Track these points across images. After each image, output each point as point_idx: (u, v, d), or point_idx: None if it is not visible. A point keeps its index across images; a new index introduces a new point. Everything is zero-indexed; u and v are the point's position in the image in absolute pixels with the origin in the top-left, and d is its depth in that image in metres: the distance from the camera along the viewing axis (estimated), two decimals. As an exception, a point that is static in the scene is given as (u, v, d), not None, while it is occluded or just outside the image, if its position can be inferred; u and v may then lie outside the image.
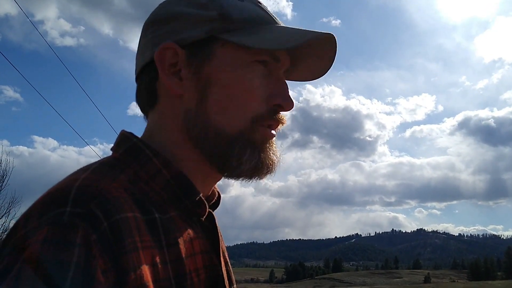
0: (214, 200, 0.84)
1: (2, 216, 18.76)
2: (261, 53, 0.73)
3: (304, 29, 0.75)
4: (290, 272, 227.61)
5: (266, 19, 0.77)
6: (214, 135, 0.72)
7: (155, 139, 0.76)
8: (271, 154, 0.76)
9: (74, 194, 0.58)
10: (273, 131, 0.76)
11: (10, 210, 18.87)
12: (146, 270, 0.59)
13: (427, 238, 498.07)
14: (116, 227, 0.58)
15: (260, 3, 0.79)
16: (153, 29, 0.78)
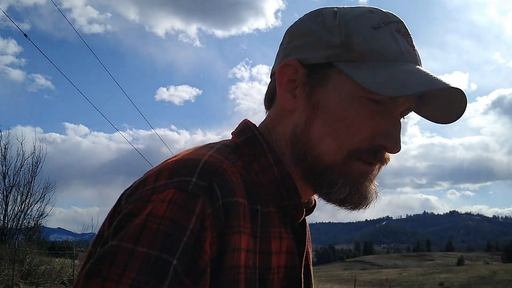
0: (309, 207, 0.86)
1: (37, 201, 19.34)
2: (371, 94, 0.71)
3: (432, 75, 0.71)
4: (321, 255, 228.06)
5: (396, 54, 0.73)
6: (311, 159, 0.74)
7: (270, 136, 0.80)
8: (365, 191, 0.75)
9: (201, 168, 0.65)
10: (371, 167, 0.75)
11: (44, 195, 19.43)
12: (243, 254, 0.65)
13: (460, 220, 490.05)
14: (228, 207, 0.63)
15: (400, 33, 0.74)
16: (288, 39, 0.81)
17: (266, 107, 0.86)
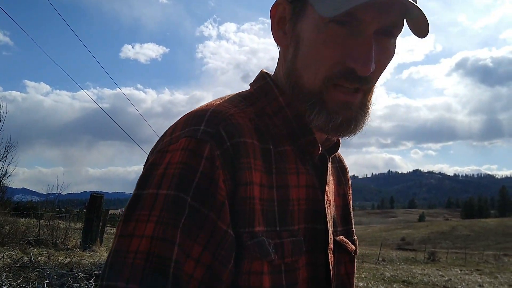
0: (331, 144, 0.90)
1: (0, 160, 18.77)
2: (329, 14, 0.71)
3: None
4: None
5: None
6: (298, 89, 0.78)
7: (279, 80, 0.85)
8: (344, 119, 0.76)
9: (208, 116, 0.73)
10: (350, 96, 0.76)
11: (7, 155, 18.82)
12: (255, 187, 0.71)
13: (422, 178, 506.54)
14: (236, 147, 0.70)
15: None
16: None
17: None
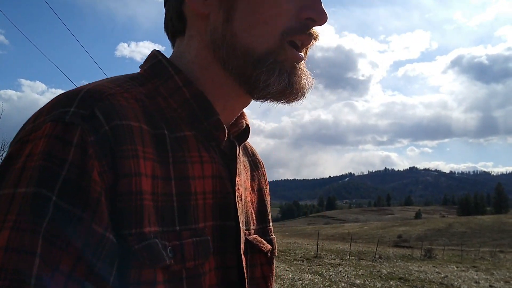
0: (240, 130, 0.80)
1: (-5, 161, 18.64)
2: None
3: None
4: (285, 211, 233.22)
5: None
6: (242, 54, 0.68)
7: (181, 60, 0.73)
8: (303, 79, 0.70)
9: (82, 96, 0.58)
10: (302, 54, 0.70)
11: (2, 154, 18.80)
12: (144, 180, 0.58)
13: (419, 175, 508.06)
14: (116, 132, 0.57)
15: None
16: None
17: (172, 39, 0.78)
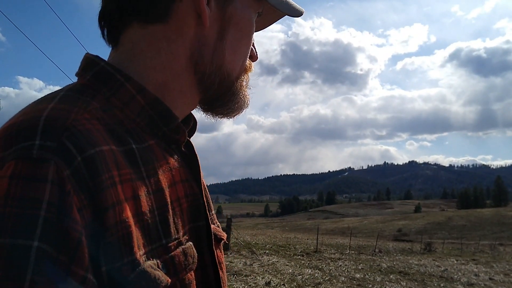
0: (190, 127, 0.78)
1: (-6, 159, 18.58)
2: (261, 7, 0.73)
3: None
4: (285, 206, 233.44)
5: None
6: (225, 75, 0.71)
7: (133, 64, 0.66)
8: (245, 100, 0.77)
9: (43, 126, 0.50)
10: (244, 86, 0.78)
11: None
12: (125, 205, 0.54)
13: (418, 169, 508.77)
14: (90, 162, 0.51)
15: None
16: None
17: (116, 33, 0.69)
